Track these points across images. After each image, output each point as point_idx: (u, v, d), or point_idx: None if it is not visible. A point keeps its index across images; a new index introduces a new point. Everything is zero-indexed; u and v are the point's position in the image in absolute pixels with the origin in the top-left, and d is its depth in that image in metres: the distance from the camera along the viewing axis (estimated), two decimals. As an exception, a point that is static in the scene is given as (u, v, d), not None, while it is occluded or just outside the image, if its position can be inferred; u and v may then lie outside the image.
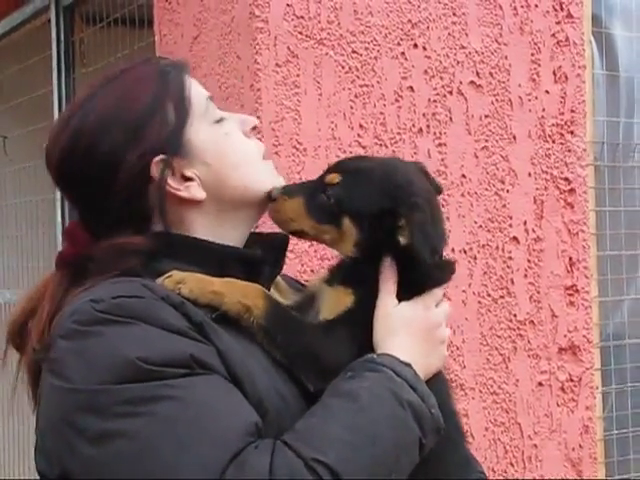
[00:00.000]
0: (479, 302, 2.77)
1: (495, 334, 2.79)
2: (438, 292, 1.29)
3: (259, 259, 1.30)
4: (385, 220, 1.24)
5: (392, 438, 1.09)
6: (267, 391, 1.15)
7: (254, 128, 1.35)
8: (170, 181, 1.24)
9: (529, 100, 2.87)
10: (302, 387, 1.19)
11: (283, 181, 1.34)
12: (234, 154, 1.28)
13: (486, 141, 2.80)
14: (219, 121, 1.29)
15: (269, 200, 1.29)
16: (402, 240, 1.21)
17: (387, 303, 1.24)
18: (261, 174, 1.30)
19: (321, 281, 1.32)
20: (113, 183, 1.20)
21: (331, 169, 1.31)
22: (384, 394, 1.12)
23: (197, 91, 1.30)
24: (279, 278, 1.39)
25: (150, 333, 1.10)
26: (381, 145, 2.60)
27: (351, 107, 2.54)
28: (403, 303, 1.24)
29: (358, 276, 1.26)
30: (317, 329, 1.22)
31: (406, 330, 1.22)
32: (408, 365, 1.18)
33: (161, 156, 1.22)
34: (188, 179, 1.26)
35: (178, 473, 1.01)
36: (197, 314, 1.15)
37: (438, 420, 1.16)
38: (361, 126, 2.56)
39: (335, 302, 1.25)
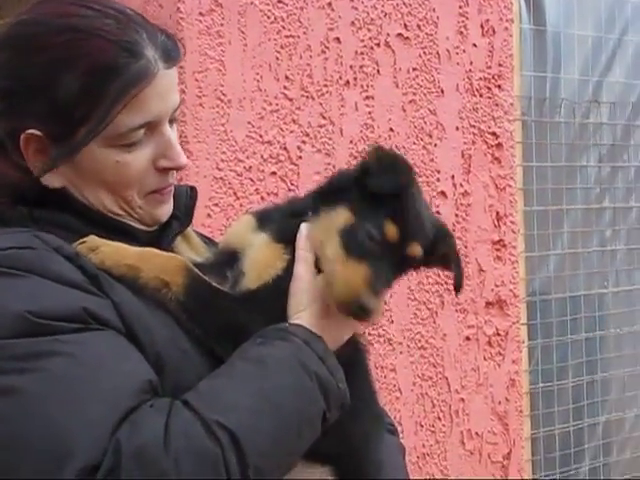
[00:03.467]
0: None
1: (423, 289, 2.90)
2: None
3: (146, 236, 1.31)
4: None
5: (296, 408, 1.12)
6: (166, 345, 1.18)
7: (173, 169, 1.31)
8: (31, 153, 1.25)
9: (457, 53, 2.99)
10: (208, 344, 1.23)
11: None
12: (108, 176, 1.26)
13: (414, 94, 2.91)
14: (126, 146, 1.26)
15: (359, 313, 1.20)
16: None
17: (304, 276, 1.24)
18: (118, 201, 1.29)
19: (247, 231, 1.31)
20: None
21: (410, 236, 1.23)
22: (292, 363, 1.15)
23: (131, 113, 1.23)
24: (190, 230, 1.41)
25: (42, 286, 1.12)
26: (307, 97, 2.68)
27: (277, 58, 2.61)
28: (321, 276, 1.24)
29: (295, 228, 1.25)
30: (240, 304, 1.22)
31: (322, 304, 1.23)
32: (319, 337, 1.20)
33: (36, 132, 1.23)
34: (49, 164, 1.26)
35: (64, 433, 1.02)
36: (92, 266, 1.18)
37: (345, 395, 1.19)
38: (287, 78, 2.64)
39: (263, 264, 1.25)
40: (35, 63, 1.21)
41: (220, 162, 2.51)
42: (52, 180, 1.27)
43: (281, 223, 1.30)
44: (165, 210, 1.33)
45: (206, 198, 2.44)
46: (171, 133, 1.29)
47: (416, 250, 1.22)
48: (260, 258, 1.26)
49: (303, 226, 1.27)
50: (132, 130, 1.24)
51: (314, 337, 1.20)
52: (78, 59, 1.20)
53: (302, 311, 1.23)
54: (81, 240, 1.21)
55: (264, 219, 1.33)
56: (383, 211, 1.20)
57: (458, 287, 1.29)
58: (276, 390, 1.12)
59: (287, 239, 1.26)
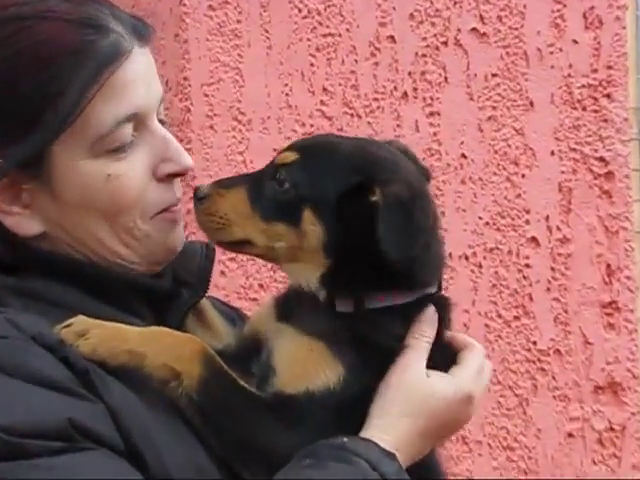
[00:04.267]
0: (486, 325, 2.78)
1: (508, 368, 2.79)
2: (480, 352, 1.29)
3: (165, 291, 1.33)
4: (357, 205, 1.23)
5: None
6: (179, 465, 1.15)
7: (179, 175, 1.33)
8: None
9: (551, 53, 2.88)
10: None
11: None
12: (101, 198, 1.27)
13: (493, 109, 2.82)
14: (115, 151, 1.27)
15: (195, 201, 1.28)
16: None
17: (411, 371, 1.23)
18: (133, 248, 1.30)
19: (273, 318, 1.31)
20: None
21: (283, 150, 1.30)
22: None
23: (112, 105, 1.26)
24: (205, 303, 1.39)
25: (13, 390, 1.10)
26: (352, 115, 2.61)
27: (311, 64, 2.56)
28: (439, 377, 1.24)
29: (343, 323, 1.24)
30: (273, 411, 1.20)
31: (426, 416, 1.22)
32: (392, 455, 1.18)
33: None
34: (26, 205, 1.27)
35: None
36: (81, 358, 1.15)
37: None
38: (325, 90, 2.59)
39: (302, 367, 1.23)
40: None
41: None
42: (29, 225, 1.28)
43: (308, 313, 1.28)
44: (179, 235, 1.34)
45: (219, 251, 2.42)
46: (164, 130, 1.31)
47: (283, 156, 1.27)
48: (297, 357, 1.24)
49: (429, 310, 1.26)
50: (116, 126, 1.24)
51: (385, 456, 1.17)
52: (31, 50, 1.22)
53: (386, 416, 1.22)
54: (65, 323, 1.18)
55: (285, 305, 1.32)
56: None
57: (389, 258, 1.20)
58: None
59: (321, 332, 1.24)
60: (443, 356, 1.27)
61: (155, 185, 1.30)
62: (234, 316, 1.47)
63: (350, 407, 1.22)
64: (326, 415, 1.21)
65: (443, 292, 1.31)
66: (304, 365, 1.23)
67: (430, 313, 1.25)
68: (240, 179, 1.33)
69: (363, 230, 1.22)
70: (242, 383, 1.21)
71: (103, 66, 1.23)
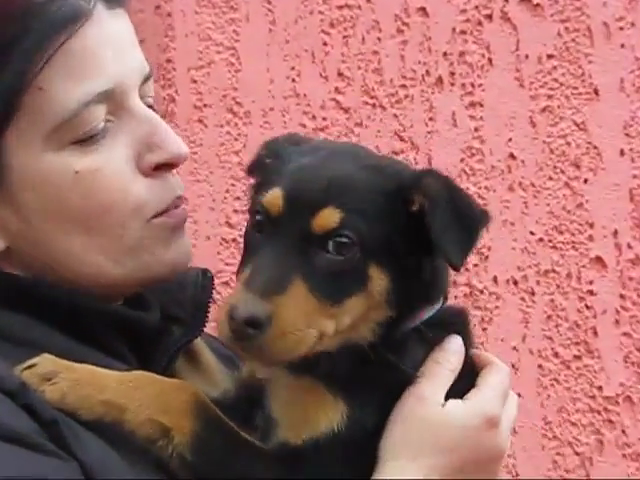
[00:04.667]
0: (540, 367, 2.68)
1: (567, 420, 2.68)
2: (502, 372, 1.31)
3: (152, 327, 1.33)
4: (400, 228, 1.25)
5: None
6: None
7: (170, 167, 1.31)
8: None
9: (620, 29, 2.72)
10: None
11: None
12: (73, 201, 1.25)
13: (549, 98, 2.69)
14: (84, 141, 1.26)
15: (250, 333, 1.19)
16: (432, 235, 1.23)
17: (425, 402, 1.23)
18: (124, 254, 1.29)
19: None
20: None
21: (307, 202, 1.24)
22: None
23: (71, 84, 1.24)
24: (199, 343, 1.40)
25: None
26: (374, 106, 2.53)
27: (324, 44, 2.51)
28: (454, 404, 1.25)
29: (350, 365, 1.24)
30: (280, 467, 1.20)
31: (445, 451, 1.23)
32: None
33: None
34: None
35: None
36: (48, 406, 1.15)
37: None
38: (341, 75, 2.52)
39: (303, 411, 1.23)
40: None
41: (232, 213, 2.50)
42: None
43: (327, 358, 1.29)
44: (183, 247, 1.33)
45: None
46: (149, 111, 1.30)
47: (326, 218, 1.22)
48: (295, 402, 1.25)
49: (454, 338, 1.29)
50: (83, 108, 1.23)
51: None
52: None
53: (400, 457, 1.21)
54: (28, 363, 1.18)
55: None
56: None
57: (447, 260, 1.25)
58: None
59: (317, 368, 1.24)
60: (463, 380, 1.29)
61: (144, 181, 1.28)
62: (234, 358, 1.44)
63: (362, 446, 1.23)
64: (336, 461, 1.22)
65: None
66: (304, 410, 1.23)
67: (456, 340, 1.29)
68: (272, 269, 1.21)
69: (412, 252, 1.25)
70: (244, 436, 1.21)
71: (52, 30, 1.21)
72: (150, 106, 1.31)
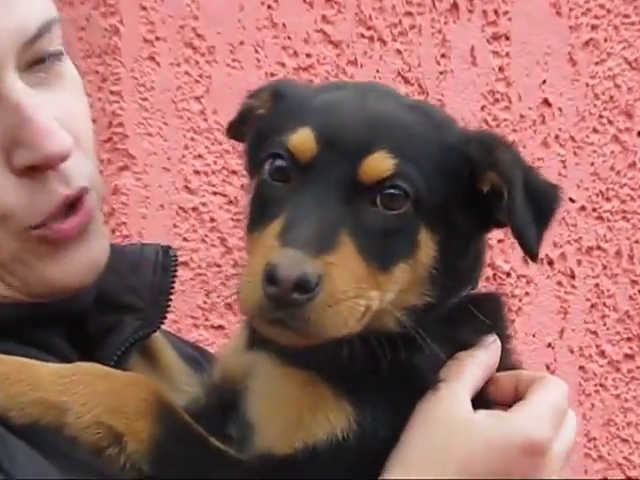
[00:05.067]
0: (581, 368, 2.60)
1: (617, 435, 2.60)
2: (557, 387, 1.25)
3: (76, 314, 1.31)
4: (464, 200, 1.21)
5: None
6: None
7: (42, 168, 1.23)
8: None
9: None
10: None
11: None
12: None
13: (593, 29, 2.58)
14: None
15: (298, 299, 1.12)
16: (502, 216, 1.22)
17: (448, 404, 1.21)
18: None
19: (240, 351, 1.28)
20: None
21: (350, 144, 1.20)
22: None
23: None
24: (158, 338, 1.37)
25: None
26: (372, 39, 2.42)
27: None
28: (487, 413, 1.19)
29: (363, 358, 1.17)
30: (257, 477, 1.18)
31: (458, 460, 1.18)
32: None
33: None
34: None
35: None
36: None
37: None
38: (329, 0, 2.41)
39: (295, 411, 1.18)
40: None
41: (192, 175, 2.36)
42: None
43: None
44: (78, 265, 1.27)
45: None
46: (22, 94, 1.21)
47: (377, 165, 1.18)
48: (285, 399, 1.19)
49: (491, 337, 1.25)
50: None
51: None
52: None
53: (410, 469, 1.17)
54: None
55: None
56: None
57: (528, 250, 1.20)
58: None
59: (315, 357, 1.17)
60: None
61: (15, 182, 1.21)
62: (198, 358, 1.43)
63: (374, 460, 1.16)
64: (339, 476, 1.16)
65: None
66: (296, 410, 1.17)
67: (491, 340, 1.25)
68: (314, 223, 1.17)
69: (466, 224, 1.23)
70: (215, 444, 1.15)
71: None
72: (56, 55, 1.21)
